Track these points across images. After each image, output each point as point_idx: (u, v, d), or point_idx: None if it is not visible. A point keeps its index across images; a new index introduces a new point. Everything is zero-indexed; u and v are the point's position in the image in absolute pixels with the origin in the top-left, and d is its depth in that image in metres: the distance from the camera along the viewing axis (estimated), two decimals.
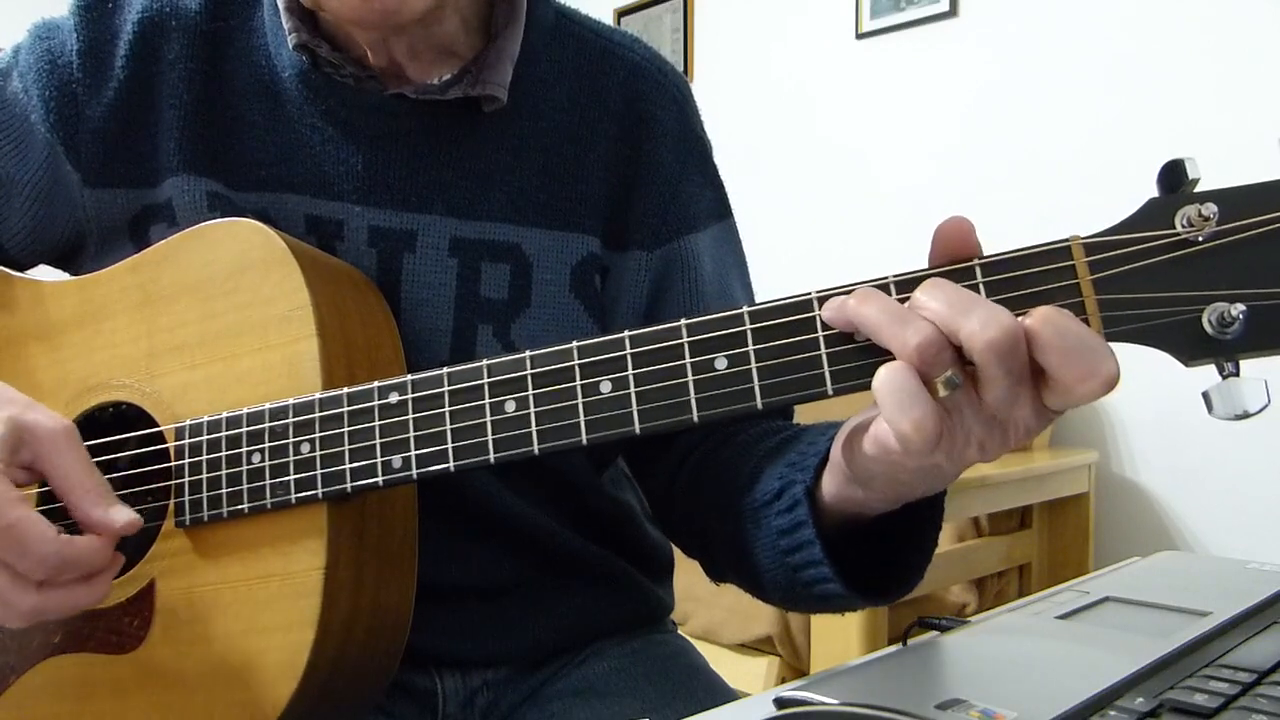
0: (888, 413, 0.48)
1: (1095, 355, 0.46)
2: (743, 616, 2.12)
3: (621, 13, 3.71)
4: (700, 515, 0.74)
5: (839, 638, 1.85)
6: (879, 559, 0.63)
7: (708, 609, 2.18)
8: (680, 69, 3.48)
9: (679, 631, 0.92)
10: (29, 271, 0.80)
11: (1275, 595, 0.62)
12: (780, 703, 0.47)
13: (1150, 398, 2.35)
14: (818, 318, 0.52)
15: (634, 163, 0.80)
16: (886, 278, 0.51)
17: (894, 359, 0.49)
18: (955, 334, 0.47)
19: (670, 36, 3.55)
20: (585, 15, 0.86)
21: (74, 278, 0.77)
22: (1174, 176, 0.48)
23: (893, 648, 0.58)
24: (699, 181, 0.84)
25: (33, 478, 0.63)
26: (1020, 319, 0.47)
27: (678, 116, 0.83)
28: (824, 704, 0.45)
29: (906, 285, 0.51)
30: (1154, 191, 0.49)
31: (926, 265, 0.52)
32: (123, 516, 0.61)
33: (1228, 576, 0.69)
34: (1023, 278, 0.49)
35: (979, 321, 0.46)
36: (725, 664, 1.96)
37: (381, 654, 0.68)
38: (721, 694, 0.82)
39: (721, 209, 0.86)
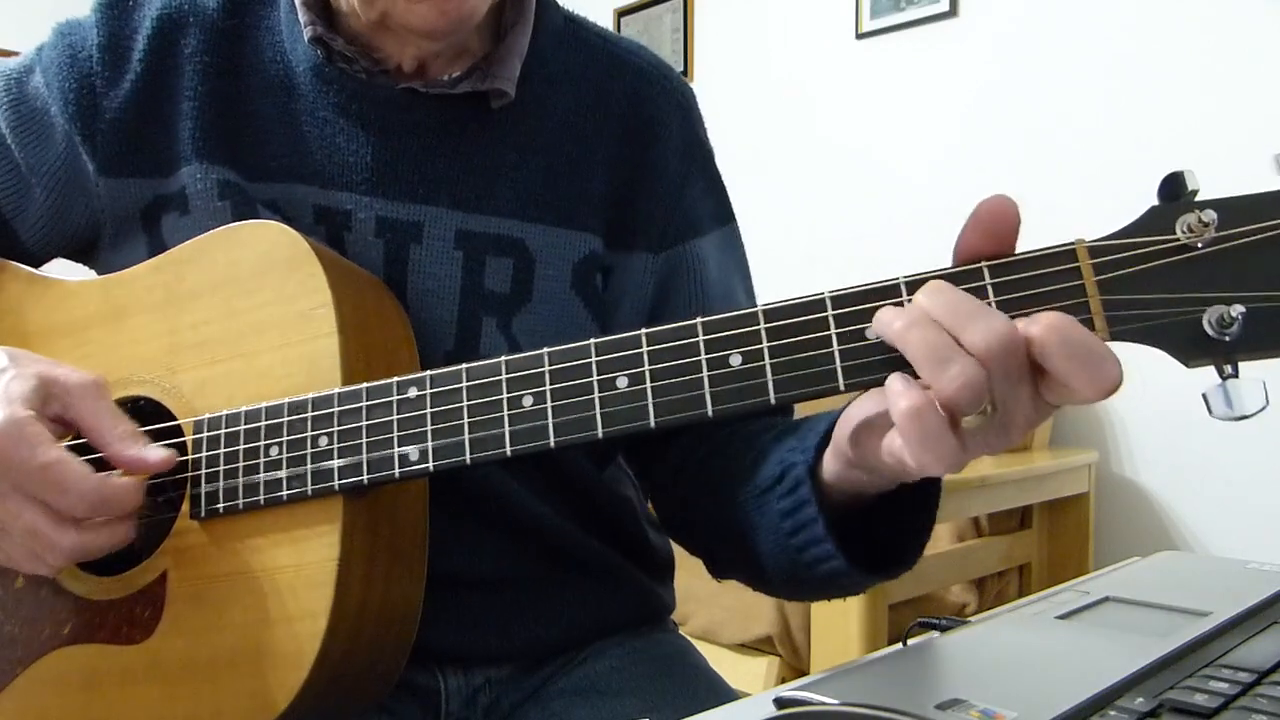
0: (912, 449, 0.49)
1: (1101, 362, 0.47)
2: (743, 616, 2.12)
3: (621, 13, 3.71)
4: (702, 510, 0.75)
5: (839, 638, 1.85)
6: (878, 537, 0.64)
7: (708, 609, 2.18)
8: (680, 69, 3.49)
9: (679, 631, 0.92)
10: (48, 268, 0.82)
11: (1275, 595, 0.62)
12: (780, 703, 0.47)
13: (1150, 398, 2.35)
14: (830, 317, 0.53)
15: (638, 165, 0.81)
16: (898, 279, 0.52)
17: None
18: (958, 338, 0.48)
19: (670, 36, 3.55)
20: (592, 22, 0.88)
21: (99, 277, 0.78)
22: (1174, 187, 0.49)
23: (893, 648, 0.58)
24: (703, 186, 0.85)
25: (64, 430, 0.65)
26: (1025, 323, 0.48)
27: (682, 122, 0.84)
28: (824, 704, 0.45)
29: (917, 286, 0.51)
30: (1153, 192, 0.50)
31: (957, 241, 0.52)
32: (156, 454, 0.65)
33: (1228, 576, 0.69)
34: (1029, 279, 0.50)
35: (980, 332, 0.48)
36: (725, 664, 1.96)
37: (390, 649, 0.68)
38: (722, 694, 0.82)
39: (725, 213, 0.87)
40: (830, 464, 0.60)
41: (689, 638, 0.91)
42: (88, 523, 0.63)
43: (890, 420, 0.51)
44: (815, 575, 0.63)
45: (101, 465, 0.64)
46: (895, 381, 0.49)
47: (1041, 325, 0.47)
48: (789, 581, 0.66)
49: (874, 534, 0.64)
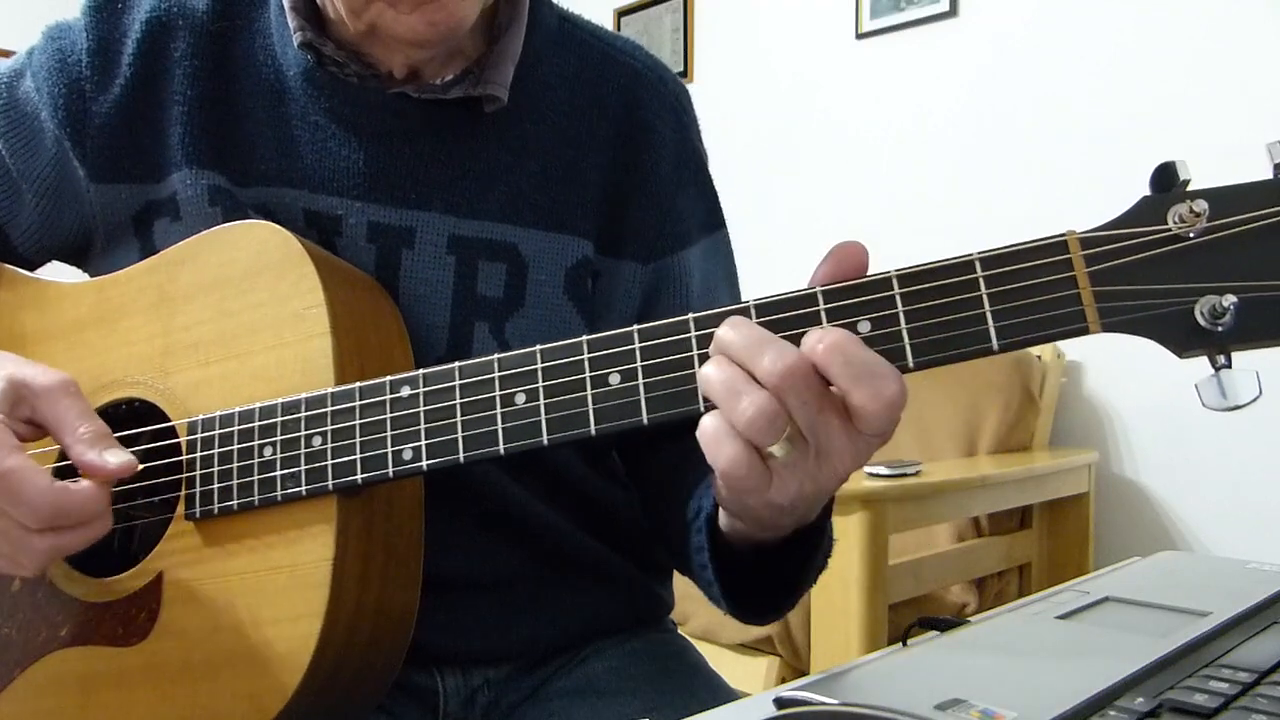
0: (707, 453, 0.52)
1: (878, 379, 0.49)
2: None
3: (621, 13, 3.71)
4: (664, 517, 0.77)
5: (839, 638, 1.85)
6: (763, 581, 0.67)
7: (708, 609, 2.16)
8: (680, 69, 3.49)
9: (679, 631, 0.92)
10: (43, 271, 0.81)
11: (1275, 595, 0.62)
12: (780, 703, 0.47)
13: (1150, 398, 2.36)
14: (821, 311, 0.53)
15: (631, 170, 0.81)
16: (889, 273, 0.53)
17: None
18: (753, 372, 0.50)
19: (670, 36, 3.55)
20: (587, 20, 0.87)
21: (93, 279, 0.78)
22: (1165, 178, 0.50)
23: (893, 648, 0.58)
24: (693, 194, 0.85)
25: (40, 432, 0.64)
26: (810, 345, 0.50)
27: (676, 126, 0.84)
28: (824, 704, 0.45)
29: (909, 280, 0.52)
30: (1150, 190, 0.50)
31: (810, 281, 0.55)
32: (116, 459, 0.62)
33: (1228, 576, 0.69)
34: (1021, 271, 0.51)
35: (769, 363, 0.50)
36: (725, 664, 1.95)
37: (386, 650, 0.68)
38: (722, 694, 0.82)
39: (713, 221, 0.87)
40: (720, 516, 0.62)
41: (689, 638, 0.91)
42: (55, 529, 0.61)
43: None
44: (721, 608, 0.69)
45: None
46: (706, 418, 0.52)
47: (823, 345, 0.49)
48: (712, 601, 0.70)
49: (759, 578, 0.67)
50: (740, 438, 0.51)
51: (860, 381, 0.49)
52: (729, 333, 0.52)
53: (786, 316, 0.54)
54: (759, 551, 0.64)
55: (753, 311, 0.55)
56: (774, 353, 0.50)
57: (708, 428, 0.52)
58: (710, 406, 0.53)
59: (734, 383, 0.51)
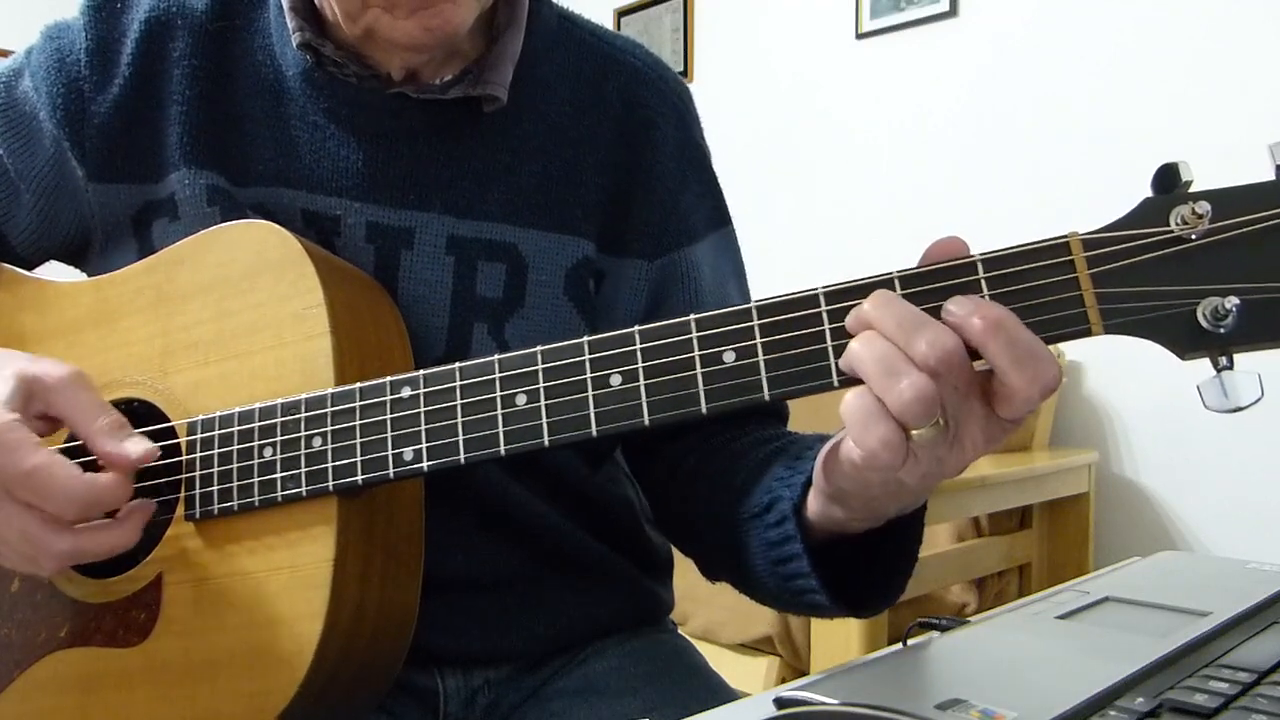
0: (855, 433, 0.50)
1: (1039, 362, 0.48)
2: (743, 616, 2.12)
3: (621, 13, 3.72)
4: (695, 516, 0.76)
5: (839, 638, 1.85)
6: (863, 571, 0.65)
7: (708, 609, 2.18)
8: (680, 69, 3.49)
9: (679, 631, 0.92)
10: (41, 270, 0.81)
11: (1275, 595, 0.62)
12: (780, 703, 0.47)
13: (1150, 398, 2.36)
14: (823, 312, 0.53)
15: (633, 169, 0.81)
16: (891, 273, 0.52)
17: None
18: (907, 351, 0.49)
19: (670, 36, 3.55)
20: (587, 19, 0.87)
21: (92, 278, 0.78)
22: (1168, 179, 0.50)
23: (893, 648, 0.58)
24: (698, 191, 0.85)
25: (53, 427, 0.65)
26: (966, 318, 0.49)
27: (677, 124, 0.84)
28: (824, 704, 0.45)
29: (911, 281, 0.52)
30: (1152, 191, 0.50)
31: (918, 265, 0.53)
32: (137, 448, 0.63)
33: (1228, 576, 0.69)
34: (1023, 272, 0.51)
35: (927, 344, 0.48)
36: (725, 664, 1.96)
37: (386, 650, 0.68)
38: (722, 694, 0.82)
39: (720, 217, 0.87)
40: (813, 501, 0.61)
41: (689, 638, 0.91)
42: (84, 526, 0.62)
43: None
44: (801, 602, 0.64)
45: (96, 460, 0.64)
46: (852, 396, 0.51)
47: (985, 321, 0.48)
48: (776, 599, 0.68)
49: (858, 569, 0.65)
50: (892, 418, 0.49)
51: (1022, 364, 0.48)
52: (878, 309, 0.50)
53: (781, 319, 0.54)
54: (837, 542, 0.62)
55: (755, 312, 0.54)
56: (931, 333, 0.48)
57: (857, 407, 0.50)
58: (724, 400, 0.52)
59: (891, 362, 0.49)
